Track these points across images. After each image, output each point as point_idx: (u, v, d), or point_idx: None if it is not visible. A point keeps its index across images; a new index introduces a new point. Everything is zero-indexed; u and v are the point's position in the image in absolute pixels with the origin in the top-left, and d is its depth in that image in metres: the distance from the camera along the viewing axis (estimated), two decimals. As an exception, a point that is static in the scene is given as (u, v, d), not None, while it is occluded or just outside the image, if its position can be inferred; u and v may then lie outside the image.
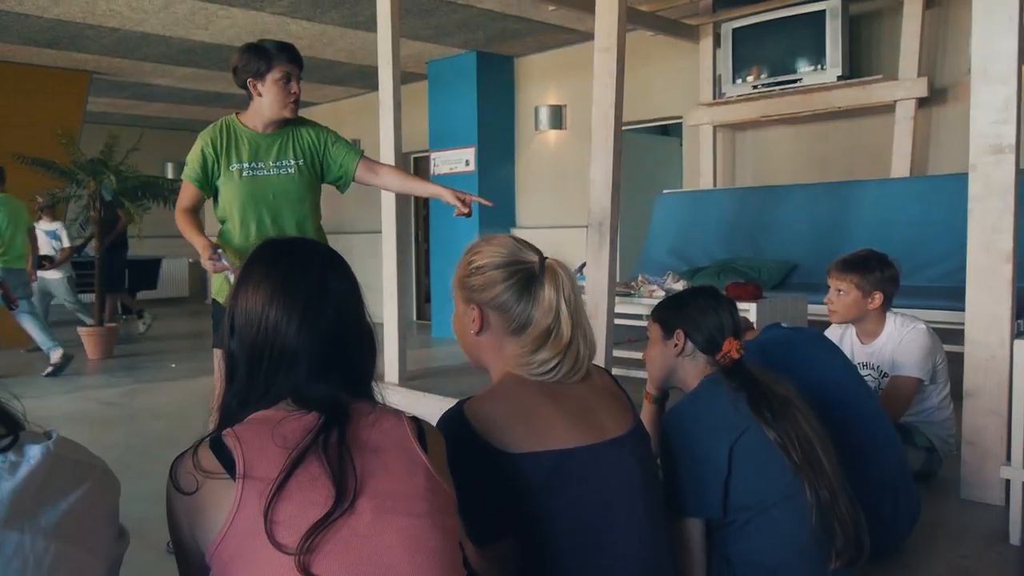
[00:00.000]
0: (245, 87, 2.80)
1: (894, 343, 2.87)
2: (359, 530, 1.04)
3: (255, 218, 2.79)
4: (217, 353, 2.80)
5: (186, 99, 9.36)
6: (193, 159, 2.79)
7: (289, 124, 2.86)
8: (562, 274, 1.44)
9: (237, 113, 2.85)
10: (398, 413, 1.19)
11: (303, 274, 1.20)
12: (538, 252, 1.47)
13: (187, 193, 2.81)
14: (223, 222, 2.85)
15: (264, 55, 2.75)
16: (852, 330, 3.03)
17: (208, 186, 2.81)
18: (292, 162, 2.82)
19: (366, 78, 8.18)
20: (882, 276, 2.85)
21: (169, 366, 6.53)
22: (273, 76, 2.74)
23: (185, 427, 3.14)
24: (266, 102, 2.77)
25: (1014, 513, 2.46)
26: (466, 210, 2.84)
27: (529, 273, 1.43)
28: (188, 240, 2.74)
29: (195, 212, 2.83)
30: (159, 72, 8.05)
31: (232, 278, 2.38)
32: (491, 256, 1.45)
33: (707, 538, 1.68)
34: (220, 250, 2.65)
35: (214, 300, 2.93)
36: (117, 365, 6.68)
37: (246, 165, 2.77)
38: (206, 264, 2.62)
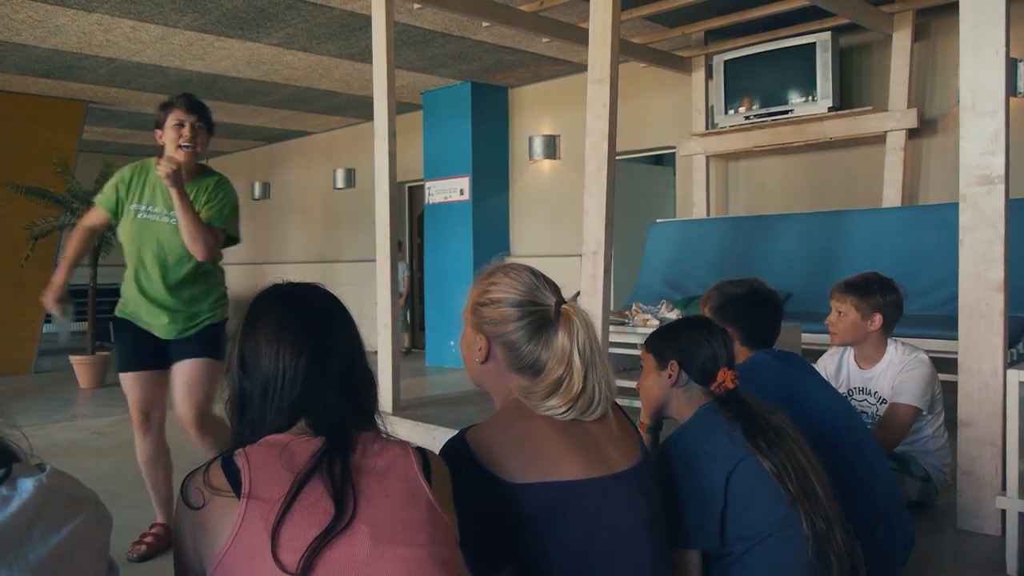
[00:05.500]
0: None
1: (895, 370, 2.86)
2: (357, 558, 1.04)
3: (140, 258, 2.94)
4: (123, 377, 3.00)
5: (182, 128, 9.39)
6: (109, 188, 2.98)
7: (204, 176, 2.98)
8: (577, 322, 1.40)
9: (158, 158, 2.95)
10: (404, 444, 1.20)
11: (308, 317, 1.23)
12: (556, 293, 1.45)
13: (96, 214, 3.01)
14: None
15: (165, 106, 2.97)
16: (850, 353, 3.02)
17: (115, 214, 2.98)
18: None
19: (361, 108, 8.23)
20: (883, 299, 2.84)
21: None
22: (170, 122, 2.92)
23: (175, 458, 3.11)
24: (167, 146, 2.92)
25: (1010, 543, 2.44)
26: (175, 161, 2.79)
27: (544, 316, 1.41)
28: (65, 255, 3.01)
29: (95, 232, 3.08)
30: (155, 102, 7.98)
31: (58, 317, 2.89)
32: (508, 291, 1.43)
33: (704, 570, 1.67)
34: (62, 304, 2.91)
35: (114, 317, 3.05)
36: (108, 394, 6.63)
37: (143, 207, 2.93)
38: (45, 299, 2.90)
